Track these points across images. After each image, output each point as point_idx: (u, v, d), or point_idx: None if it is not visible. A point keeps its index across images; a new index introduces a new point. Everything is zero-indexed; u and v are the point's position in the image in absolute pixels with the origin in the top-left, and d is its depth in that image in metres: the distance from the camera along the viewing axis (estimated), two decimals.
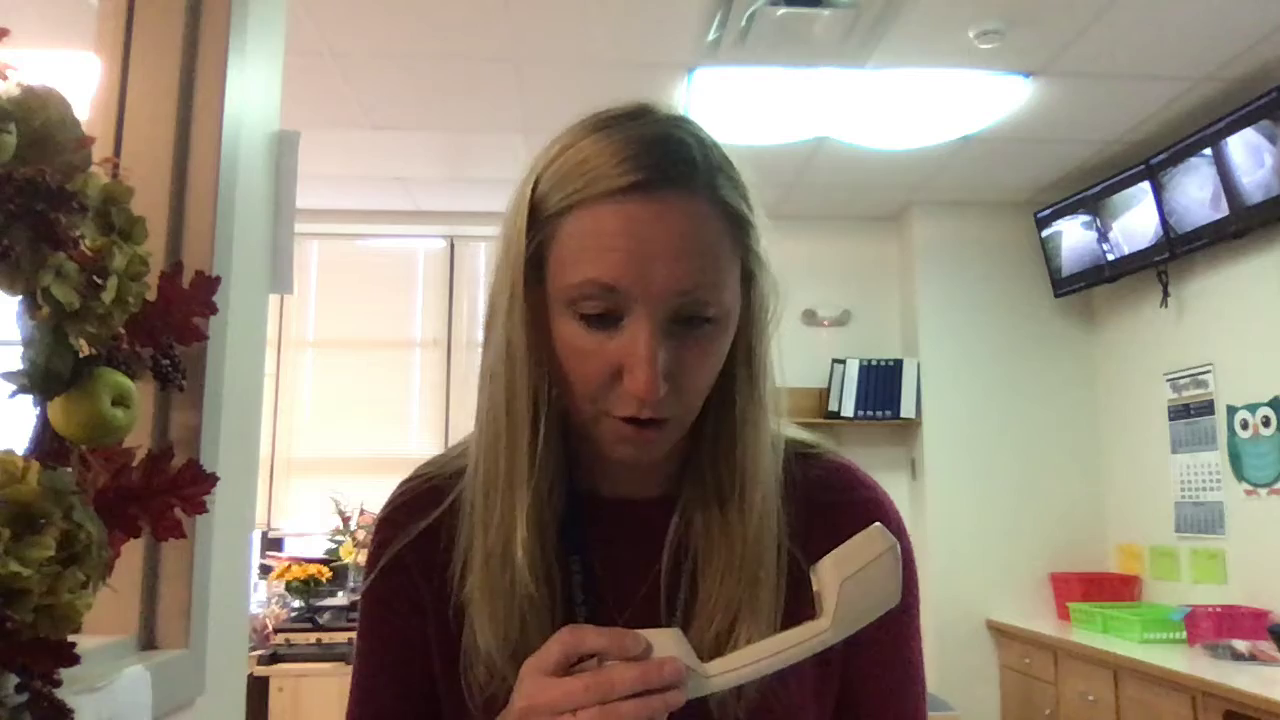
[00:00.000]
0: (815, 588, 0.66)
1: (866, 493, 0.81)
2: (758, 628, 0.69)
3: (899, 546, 0.66)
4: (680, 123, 0.70)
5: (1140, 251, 3.81)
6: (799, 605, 0.70)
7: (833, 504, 0.78)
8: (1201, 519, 3.67)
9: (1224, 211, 3.33)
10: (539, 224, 0.68)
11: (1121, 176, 3.82)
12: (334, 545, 3.99)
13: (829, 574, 0.65)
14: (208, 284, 0.91)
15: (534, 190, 0.68)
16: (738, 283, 0.69)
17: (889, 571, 0.65)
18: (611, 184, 0.65)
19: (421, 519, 0.78)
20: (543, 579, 0.70)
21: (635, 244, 0.64)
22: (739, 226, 0.68)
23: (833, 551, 0.65)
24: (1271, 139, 3.10)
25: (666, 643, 0.63)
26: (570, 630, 0.64)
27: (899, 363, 4.47)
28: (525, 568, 0.69)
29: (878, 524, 0.67)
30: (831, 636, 0.65)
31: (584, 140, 0.68)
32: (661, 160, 0.65)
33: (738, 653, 0.66)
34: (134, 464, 0.82)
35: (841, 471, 0.81)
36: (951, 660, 4.19)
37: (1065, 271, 4.28)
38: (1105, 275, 4.06)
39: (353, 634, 0.99)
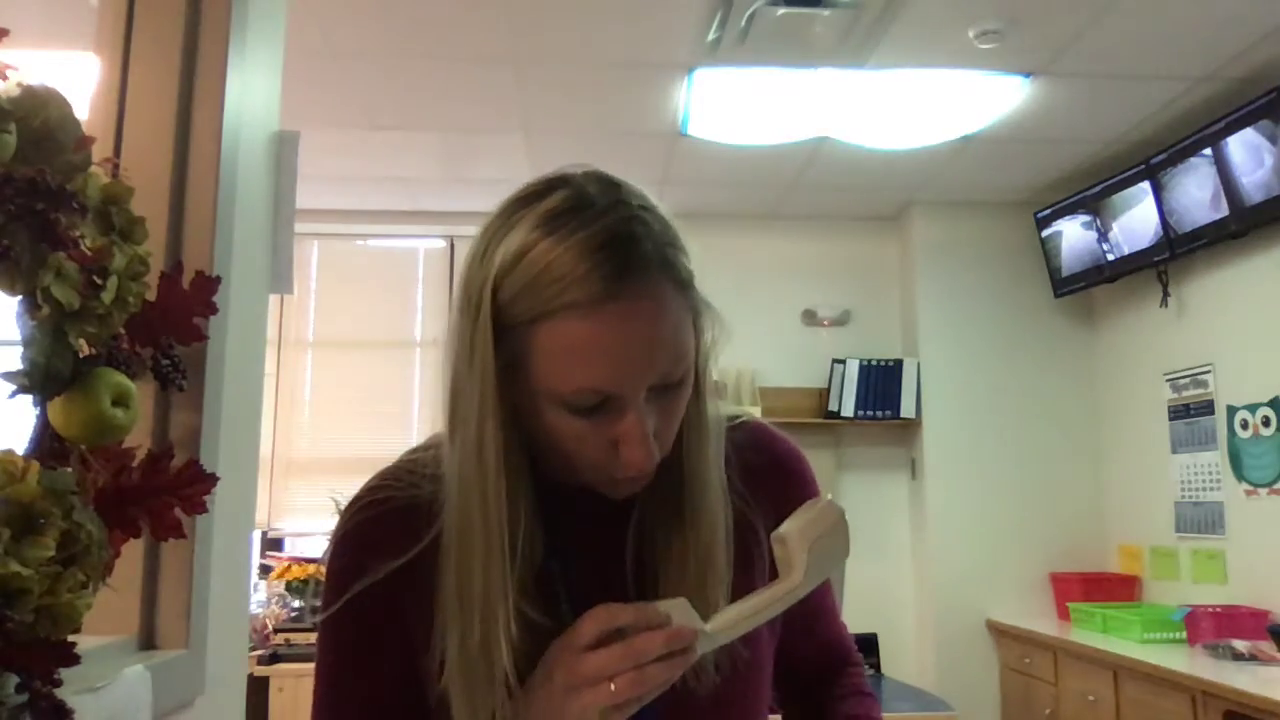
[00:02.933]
0: (779, 552, 0.76)
1: (784, 445, 0.94)
2: (720, 595, 0.78)
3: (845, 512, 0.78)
4: (622, 206, 0.71)
5: (1140, 251, 3.80)
6: (745, 548, 0.83)
7: (764, 464, 0.90)
8: (1201, 519, 3.67)
9: (1224, 211, 3.33)
10: (506, 331, 0.70)
11: (1121, 176, 3.82)
12: None
13: (796, 540, 0.75)
14: (208, 284, 0.91)
15: (494, 298, 0.70)
16: (693, 332, 0.74)
17: (843, 534, 0.77)
18: (579, 295, 0.67)
19: (402, 541, 0.79)
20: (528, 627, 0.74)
21: (617, 349, 0.69)
22: (688, 286, 0.73)
23: (791, 520, 0.76)
24: (1271, 139, 3.09)
25: (678, 610, 0.72)
26: (603, 609, 0.71)
27: (899, 363, 4.47)
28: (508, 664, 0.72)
29: (829, 497, 0.79)
30: (803, 590, 0.75)
31: (538, 246, 0.69)
32: (621, 262, 0.68)
33: (728, 612, 0.75)
34: (134, 464, 0.82)
35: (759, 431, 0.93)
36: (951, 660, 4.18)
37: (1065, 271, 4.28)
38: (1105, 275, 4.05)
39: None
